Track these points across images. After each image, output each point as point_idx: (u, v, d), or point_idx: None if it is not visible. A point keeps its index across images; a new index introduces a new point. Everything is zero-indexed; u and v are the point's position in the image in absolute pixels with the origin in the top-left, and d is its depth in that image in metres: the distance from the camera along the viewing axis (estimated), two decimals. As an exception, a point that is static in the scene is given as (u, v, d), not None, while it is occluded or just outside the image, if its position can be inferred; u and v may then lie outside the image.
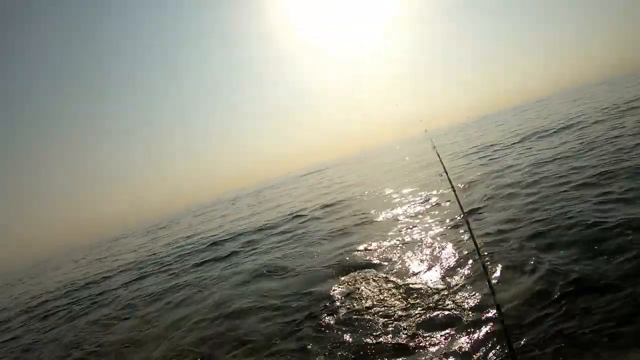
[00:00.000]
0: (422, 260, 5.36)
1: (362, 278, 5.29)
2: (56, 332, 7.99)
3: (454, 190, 3.85)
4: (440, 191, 9.45)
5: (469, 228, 3.17)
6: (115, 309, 8.21)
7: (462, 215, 3.28)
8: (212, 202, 53.71)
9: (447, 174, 4.00)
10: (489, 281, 2.51)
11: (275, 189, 35.70)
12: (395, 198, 10.67)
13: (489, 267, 4.38)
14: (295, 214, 12.90)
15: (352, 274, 5.58)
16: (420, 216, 7.86)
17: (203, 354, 4.59)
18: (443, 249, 5.52)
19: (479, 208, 7.01)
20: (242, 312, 5.47)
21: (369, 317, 4.16)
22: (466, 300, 3.88)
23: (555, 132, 14.06)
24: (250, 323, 4.97)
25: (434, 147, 4.75)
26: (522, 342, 3.02)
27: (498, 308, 2.40)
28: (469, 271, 4.54)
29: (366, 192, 13.42)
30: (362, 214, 9.65)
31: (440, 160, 4.34)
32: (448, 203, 8.07)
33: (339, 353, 3.71)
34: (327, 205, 12.80)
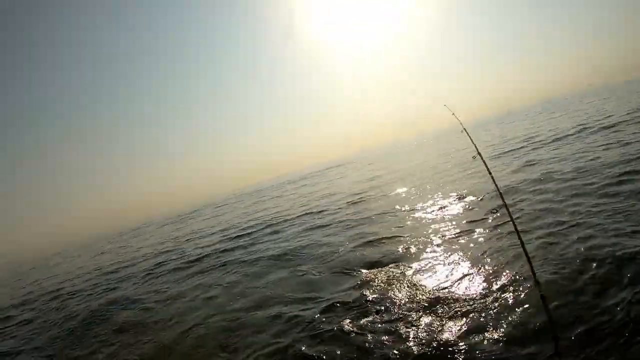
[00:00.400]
0: (453, 253, 5.16)
1: (392, 272, 5.08)
2: (74, 314, 8.00)
3: (490, 172, 3.54)
4: (467, 185, 9.10)
5: (508, 211, 2.89)
6: (136, 293, 8.23)
7: (497, 205, 2.98)
8: (213, 202, 53.80)
9: (480, 156, 3.70)
10: (534, 273, 2.22)
11: (276, 189, 35.55)
12: (415, 194, 10.43)
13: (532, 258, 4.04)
14: (310, 210, 12.74)
15: (378, 268, 5.37)
16: (446, 209, 7.65)
17: (221, 342, 4.49)
18: (477, 242, 5.30)
19: (513, 203, 6.62)
20: (262, 302, 5.37)
21: (395, 314, 3.93)
22: (508, 297, 3.65)
23: (580, 131, 13.33)
24: (269, 314, 4.84)
25: (463, 129, 4.42)
26: (570, 340, 2.80)
27: (543, 299, 2.13)
28: (510, 264, 4.26)
29: (387, 190, 13.10)
30: (384, 209, 9.40)
31: (472, 142, 4.03)
32: (478, 196, 7.84)
33: (360, 347, 3.50)
34: (349, 202, 12.50)
